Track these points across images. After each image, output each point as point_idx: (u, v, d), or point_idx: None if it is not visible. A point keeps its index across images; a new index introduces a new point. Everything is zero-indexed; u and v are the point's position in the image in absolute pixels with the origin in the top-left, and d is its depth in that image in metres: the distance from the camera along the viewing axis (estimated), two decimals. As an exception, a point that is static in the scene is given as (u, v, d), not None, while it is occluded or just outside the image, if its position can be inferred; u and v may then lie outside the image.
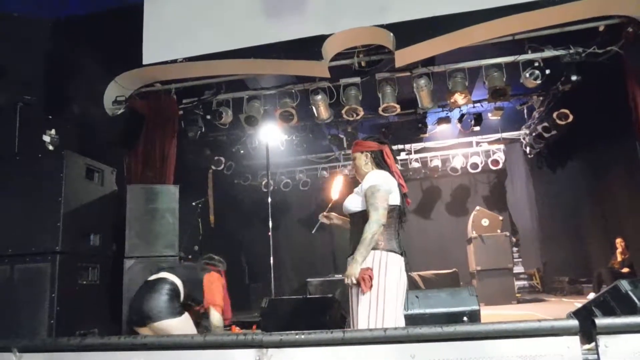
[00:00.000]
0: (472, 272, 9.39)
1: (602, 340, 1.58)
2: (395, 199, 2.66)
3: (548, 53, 6.60)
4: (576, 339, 1.58)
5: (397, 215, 2.67)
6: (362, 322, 2.46)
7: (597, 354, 1.58)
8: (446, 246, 11.04)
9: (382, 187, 2.60)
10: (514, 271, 9.52)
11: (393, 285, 2.50)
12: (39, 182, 4.51)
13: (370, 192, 2.59)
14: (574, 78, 6.66)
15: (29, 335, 4.04)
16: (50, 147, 4.98)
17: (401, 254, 2.62)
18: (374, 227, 2.51)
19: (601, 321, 1.58)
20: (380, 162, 2.80)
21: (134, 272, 5.31)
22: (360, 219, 2.63)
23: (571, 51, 6.44)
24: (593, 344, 1.61)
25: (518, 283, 10.34)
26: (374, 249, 2.56)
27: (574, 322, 1.60)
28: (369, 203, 2.57)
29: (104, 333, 4.73)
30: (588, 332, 1.62)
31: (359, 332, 1.73)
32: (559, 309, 7.41)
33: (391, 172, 2.74)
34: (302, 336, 1.71)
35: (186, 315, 3.58)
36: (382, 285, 2.48)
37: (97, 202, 4.99)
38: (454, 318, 3.69)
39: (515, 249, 11.14)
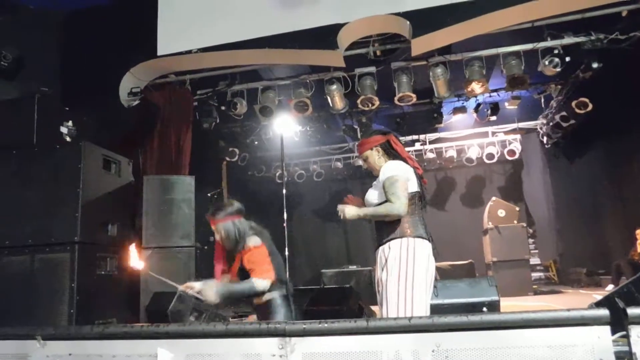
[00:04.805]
0: (488, 264, 9.30)
1: (635, 330, 1.53)
2: (414, 186, 2.64)
3: (568, 40, 6.46)
4: (607, 328, 1.54)
5: (418, 201, 2.65)
6: (392, 310, 2.44)
7: (629, 344, 1.53)
8: (461, 237, 10.95)
9: (400, 177, 2.57)
10: (530, 263, 9.42)
11: (422, 272, 2.48)
12: (57, 173, 4.55)
13: (389, 182, 2.57)
14: (595, 65, 6.49)
15: (49, 324, 4.08)
16: (68, 139, 5.02)
17: (428, 240, 2.59)
18: (392, 211, 2.50)
19: (634, 311, 1.53)
20: (390, 152, 2.77)
21: (151, 262, 5.36)
22: None
23: (592, 37, 6.30)
24: (623, 333, 1.56)
25: (534, 275, 10.23)
26: (401, 236, 2.53)
27: (605, 312, 1.56)
28: (390, 193, 2.54)
29: (122, 322, 4.77)
30: (617, 323, 1.58)
31: (383, 320, 1.71)
32: (577, 300, 7.32)
33: (403, 159, 2.71)
34: (326, 325, 1.69)
35: None
36: (411, 272, 2.46)
37: (114, 193, 5.03)
38: (473, 308, 3.65)
39: (531, 240, 11.01)
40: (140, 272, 5.21)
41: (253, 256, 2.75)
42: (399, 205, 2.49)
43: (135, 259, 3.05)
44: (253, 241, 2.79)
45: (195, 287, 2.74)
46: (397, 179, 2.56)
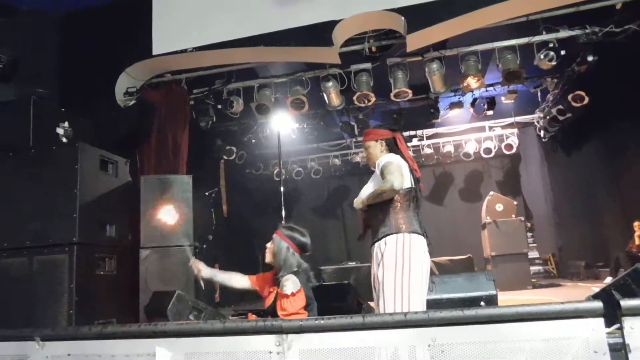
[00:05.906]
0: (487, 258, 9.33)
1: (628, 322, 1.54)
2: (408, 182, 2.66)
3: (563, 33, 6.46)
4: (601, 321, 1.55)
5: (412, 197, 2.66)
6: (388, 305, 2.46)
7: (622, 336, 1.55)
8: (460, 232, 10.98)
9: (395, 163, 2.61)
10: (529, 256, 9.45)
11: (418, 267, 2.50)
12: (54, 174, 4.54)
13: (385, 166, 2.62)
14: (590, 59, 6.49)
15: (49, 325, 4.09)
16: (64, 140, 5.01)
17: (423, 235, 2.61)
18: (387, 185, 2.52)
19: (627, 302, 1.54)
20: (393, 149, 2.80)
21: (150, 262, 5.36)
22: (379, 206, 2.63)
23: (587, 31, 6.30)
24: (617, 326, 1.57)
25: (533, 268, 10.26)
26: (396, 232, 2.54)
27: (598, 304, 1.56)
28: (386, 173, 2.57)
29: (122, 323, 4.77)
30: (612, 315, 1.59)
31: (379, 316, 1.72)
32: (576, 293, 7.35)
33: (404, 159, 2.73)
34: (322, 321, 1.70)
35: None
36: (407, 268, 2.47)
37: (112, 193, 5.02)
38: (471, 303, 3.67)
39: (529, 234, 11.03)
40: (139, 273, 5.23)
41: (286, 304, 2.74)
42: (394, 180, 2.50)
43: None
44: (291, 285, 2.76)
45: None
46: (392, 162, 2.60)
